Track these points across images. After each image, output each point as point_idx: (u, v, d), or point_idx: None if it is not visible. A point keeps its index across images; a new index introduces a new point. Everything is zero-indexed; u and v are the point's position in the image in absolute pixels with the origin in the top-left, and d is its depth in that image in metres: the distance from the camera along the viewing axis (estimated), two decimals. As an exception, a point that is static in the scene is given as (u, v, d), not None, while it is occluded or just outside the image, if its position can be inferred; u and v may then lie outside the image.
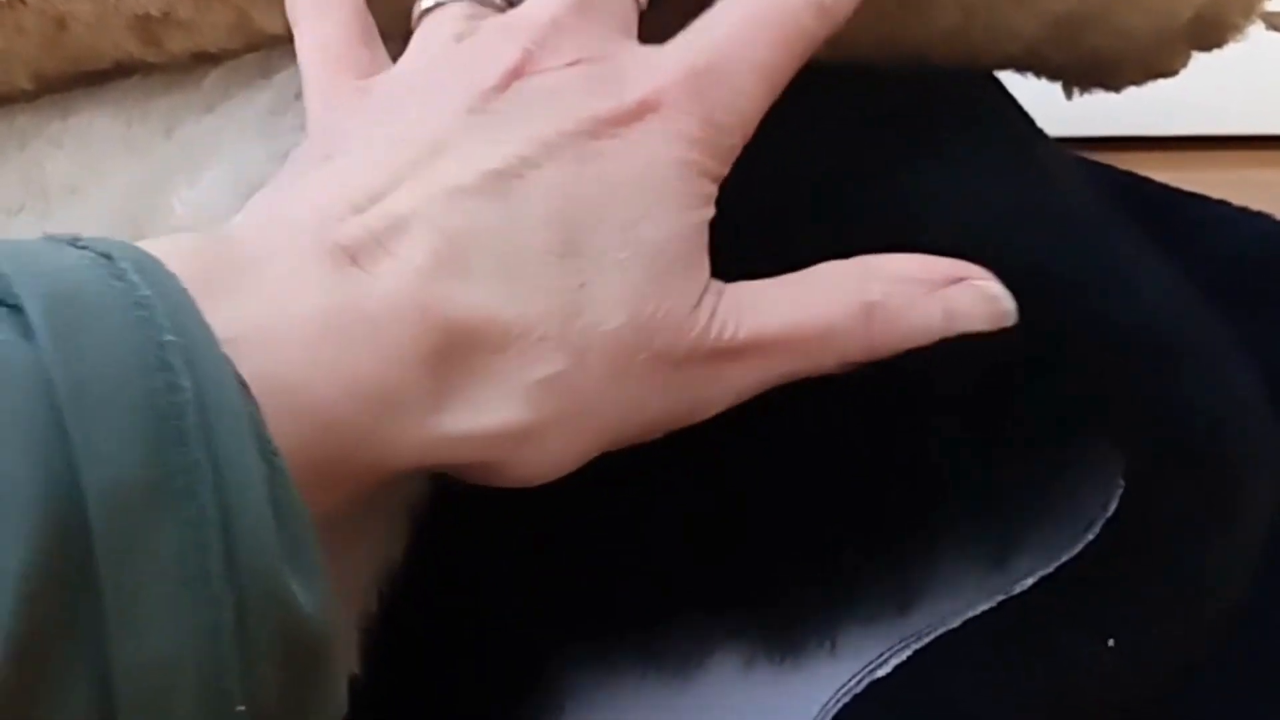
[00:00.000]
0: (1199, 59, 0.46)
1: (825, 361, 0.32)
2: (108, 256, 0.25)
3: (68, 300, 0.23)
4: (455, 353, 0.28)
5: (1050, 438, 0.32)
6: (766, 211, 0.35)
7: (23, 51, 0.38)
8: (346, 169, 0.31)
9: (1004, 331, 0.33)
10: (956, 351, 0.33)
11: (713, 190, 0.32)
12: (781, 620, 0.33)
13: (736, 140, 0.32)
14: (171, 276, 0.25)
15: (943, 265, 0.33)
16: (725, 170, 0.32)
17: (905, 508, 0.34)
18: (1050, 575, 0.31)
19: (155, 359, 0.23)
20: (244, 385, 0.24)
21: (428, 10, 0.34)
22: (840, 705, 0.33)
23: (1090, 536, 0.32)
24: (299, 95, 0.37)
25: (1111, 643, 0.31)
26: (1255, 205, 0.45)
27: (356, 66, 0.34)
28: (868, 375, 0.33)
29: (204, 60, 0.39)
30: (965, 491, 0.33)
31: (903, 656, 0.33)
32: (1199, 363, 0.33)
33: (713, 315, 0.31)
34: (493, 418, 0.29)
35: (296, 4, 0.36)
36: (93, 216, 0.37)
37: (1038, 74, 0.44)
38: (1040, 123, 0.41)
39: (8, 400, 0.22)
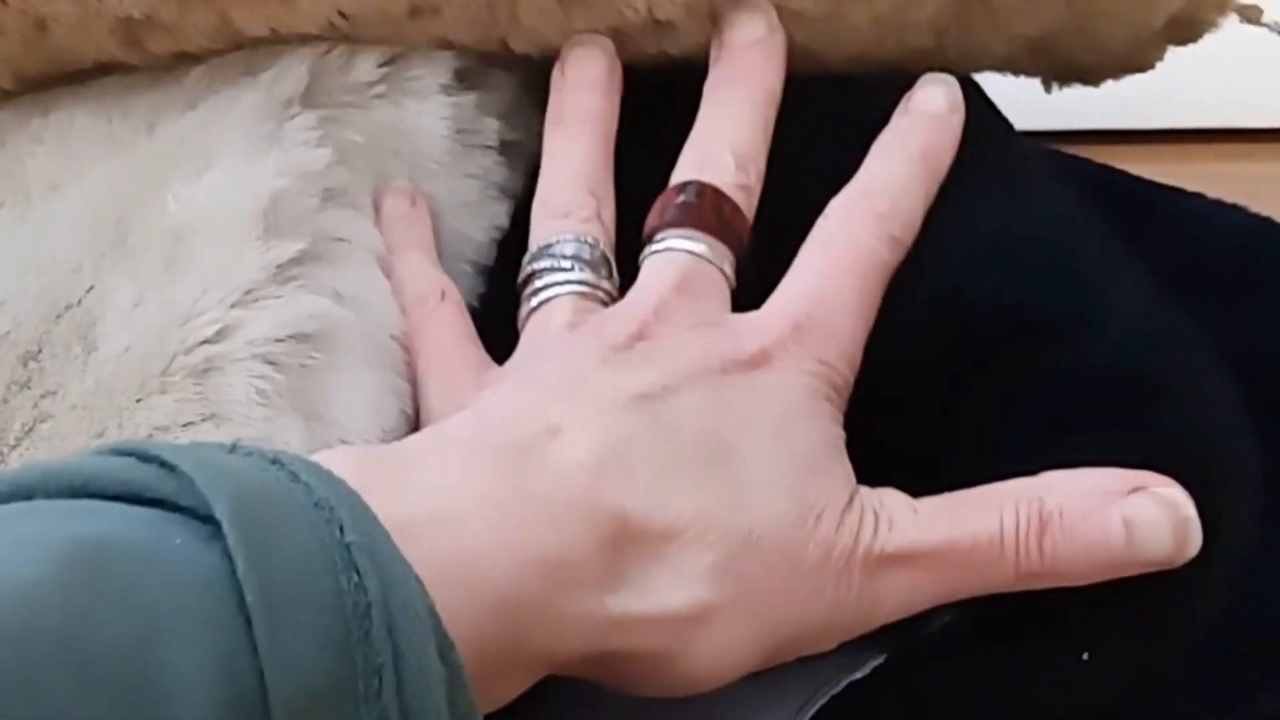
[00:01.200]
0: (1174, 53, 0.46)
1: (999, 576, 0.31)
2: (277, 462, 0.25)
3: (254, 502, 0.24)
4: (627, 540, 0.29)
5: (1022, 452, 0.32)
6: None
7: (3, 52, 0.38)
8: (489, 410, 0.31)
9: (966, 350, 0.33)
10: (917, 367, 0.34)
11: (839, 416, 0.33)
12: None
13: (848, 374, 0.33)
14: (340, 479, 0.25)
15: (1123, 475, 0.31)
16: (844, 403, 0.33)
17: None
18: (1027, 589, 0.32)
19: (341, 560, 0.23)
20: (419, 581, 0.24)
21: (536, 308, 0.35)
22: (818, 706, 0.34)
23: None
24: (290, 101, 0.37)
25: (1086, 656, 0.31)
26: (1231, 198, 0.45)
27: (467, 363, 0.35)
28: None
29: (186, 58, 0.39)
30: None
31: (879, 659, 0.33)
32: (1175, 390, 0.33)
33: (870, 516, 0.31)
34: (667, 598, 0.29)
35: (412, 317, 0.36)
36: (74, 213, 0.37)
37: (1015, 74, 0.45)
38: (1016, 117, 0.41)
39: (192, 604, 0.22)
